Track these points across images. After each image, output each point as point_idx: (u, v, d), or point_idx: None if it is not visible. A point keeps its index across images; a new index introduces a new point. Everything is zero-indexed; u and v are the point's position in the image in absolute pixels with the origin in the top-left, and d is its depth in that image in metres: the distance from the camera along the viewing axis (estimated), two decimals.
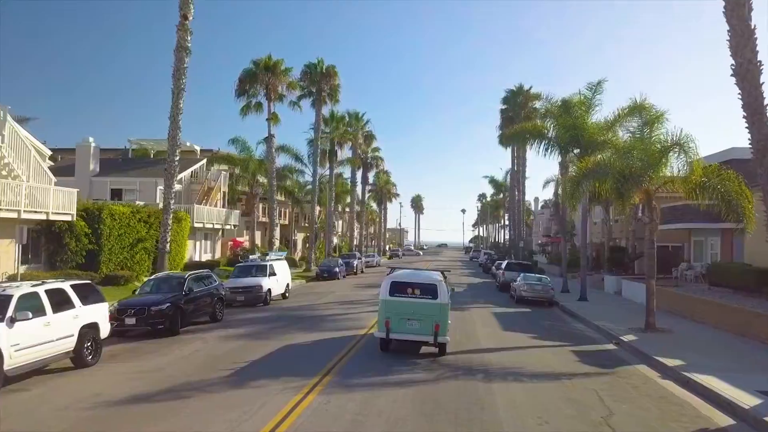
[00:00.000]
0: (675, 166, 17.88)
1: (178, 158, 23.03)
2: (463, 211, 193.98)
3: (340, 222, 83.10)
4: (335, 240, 72.18)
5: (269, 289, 24.13)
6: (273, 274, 24.98)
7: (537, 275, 29.07)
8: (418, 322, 13.19)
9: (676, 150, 17.39)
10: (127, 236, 26.32)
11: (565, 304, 25.80)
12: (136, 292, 17.58)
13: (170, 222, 22.77)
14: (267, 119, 37.80)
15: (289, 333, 16.65)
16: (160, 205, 26.73)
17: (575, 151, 29.27)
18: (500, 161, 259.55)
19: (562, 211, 32.51)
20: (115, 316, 15.58)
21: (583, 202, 27.72)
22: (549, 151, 29.93)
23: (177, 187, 38.11)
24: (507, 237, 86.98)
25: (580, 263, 40.84)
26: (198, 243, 38.89)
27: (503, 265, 35.00)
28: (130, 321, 15.65)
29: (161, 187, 34.90)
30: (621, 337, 16.84)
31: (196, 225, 35.65)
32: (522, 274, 28.49)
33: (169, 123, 22.79)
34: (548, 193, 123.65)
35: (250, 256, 27.80)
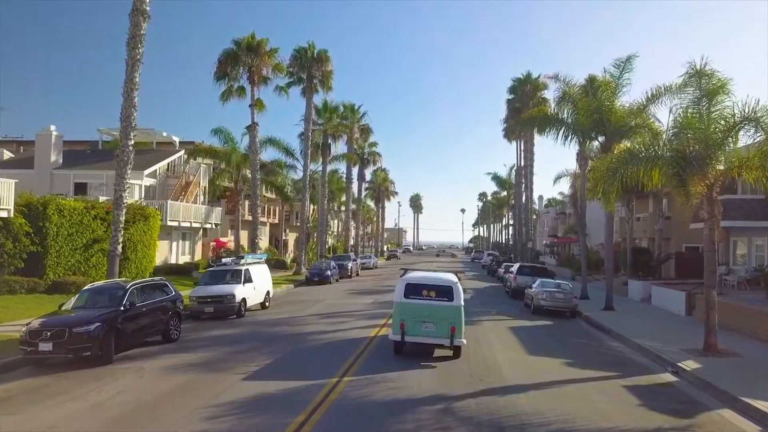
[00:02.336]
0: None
1: (132, 142, 19.15)
2: (463, 210, 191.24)
3: (336, 221, 79.43)
4: (330, 240, 68.55)
5: (244, 299, 20.42)
6: (249, 280, 21.27)
7: (555, 281, 25.36)
8: (434, 324, 12.96)
9: (749, 127, 13.76)
10: (79, 236, 22.48)
11: (590, 315, 22.27)
12: (63, 308, 13.83)
13: (122, 219, 18.95)
14: (250, 105, 33.96)
15: (255, 360, 12.95)
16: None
17: (599, 138, 25.71)
18: (501, 160, 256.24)
19: (581, 209, 28.81)
20: (27, 340, 12.00)
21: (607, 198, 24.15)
22: (568, 139, 26.40)
23: (150, 181, 34.52)
24: (510, 237, 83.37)
25: (595, 266, 37.50)
26: (175, 243, 35.15)
27: (513, 269, 31.24)
28: (46, 347, 11.94)
29: (134, 181, 31.20)
30: (678, 363, 13.31)
31: (170, 223, 31.89)
32: (539, 280, 24.78)
33: (122, 100, 19.03)
34: (555, 192, 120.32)
35: (223, 259, 23.99)
